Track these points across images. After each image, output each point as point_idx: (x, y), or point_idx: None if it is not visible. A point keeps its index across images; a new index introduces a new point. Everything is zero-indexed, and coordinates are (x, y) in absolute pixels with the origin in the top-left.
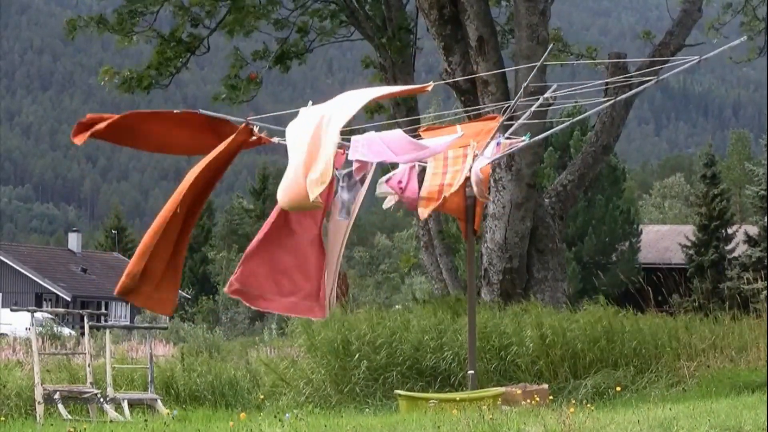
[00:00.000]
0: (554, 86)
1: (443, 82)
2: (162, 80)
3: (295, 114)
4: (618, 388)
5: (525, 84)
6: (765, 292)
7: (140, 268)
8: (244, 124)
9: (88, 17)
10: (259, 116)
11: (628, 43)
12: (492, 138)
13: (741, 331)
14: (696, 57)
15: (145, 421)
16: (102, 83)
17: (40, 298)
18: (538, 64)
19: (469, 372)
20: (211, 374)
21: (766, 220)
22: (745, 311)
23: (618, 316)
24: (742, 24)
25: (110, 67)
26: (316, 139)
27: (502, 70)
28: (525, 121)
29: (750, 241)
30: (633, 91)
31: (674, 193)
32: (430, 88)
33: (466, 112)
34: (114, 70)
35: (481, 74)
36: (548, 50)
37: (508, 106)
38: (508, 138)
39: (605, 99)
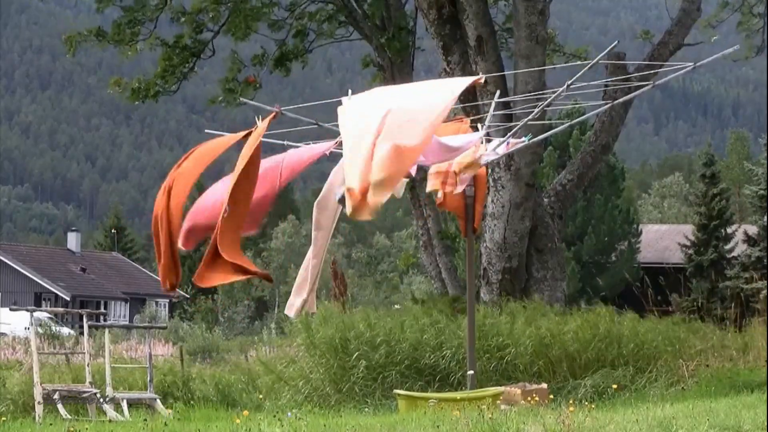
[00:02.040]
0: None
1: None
2: (169, 87)
3: (329, 105)
4: (617, 388)
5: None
6: (765, 292)
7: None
8: (274, 113)
9: (88, 31)
10: (291, 107)
11: (628, 42)
12: (507, 138)
13: (740, 331)
14: (690, 63)
15: (145, 420)
16: (111, 92)
17: (39, 298)
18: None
19: (469, 372)
20: (210, 374)
21: (765, 219)
22: (744, 310)
23: (617, 320)
24: (739, 24)
25: (119, 78)
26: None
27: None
28: (525, 122)
29: (749, 240)
30: (629, 96)
31: (673, 192)
32: (482, 81)
33: (464, 110)
34: (123, 81)
35: (487, 74)
36: (545, 50)
37: (511, 114)
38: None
39: (603, 102)
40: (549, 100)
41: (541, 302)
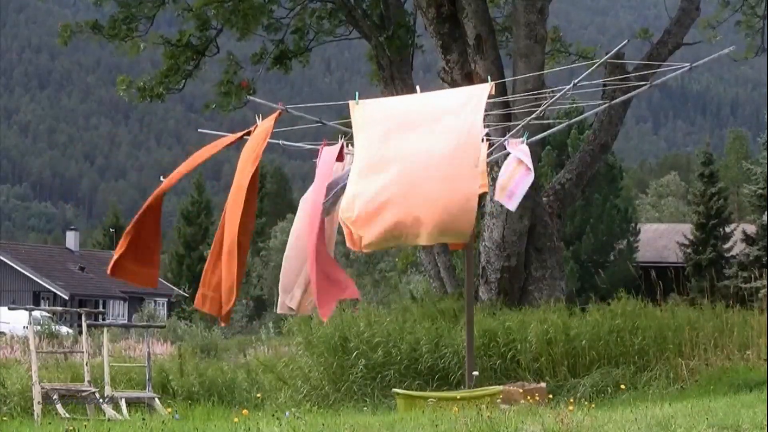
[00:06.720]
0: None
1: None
2: (173, 86)
3: (330, 107)
4: (617, 387)
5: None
6: (764, 290)
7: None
8: (278, 112)
9: (85, 22)
10: (294, 105)
11: (626, 41)
12: (506, 138)
13: (740, 329)
14: (687, 64)
15: (143, 419)
16: (120, 94)
17: (38, 297)
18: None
19: (473, 373)
20: (209, 373)
21: (764, 218)
22: (743, 309)
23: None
24: (738, 23)
25: (126, 77)
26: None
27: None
28: (528, 121)
29: (748, 239)
30: (626, 96)
31: (669, 191)
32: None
33: None
34: (129, 79)
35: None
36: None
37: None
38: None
39: (601, 102)
40: (555, 98)
41: (540, 301)
